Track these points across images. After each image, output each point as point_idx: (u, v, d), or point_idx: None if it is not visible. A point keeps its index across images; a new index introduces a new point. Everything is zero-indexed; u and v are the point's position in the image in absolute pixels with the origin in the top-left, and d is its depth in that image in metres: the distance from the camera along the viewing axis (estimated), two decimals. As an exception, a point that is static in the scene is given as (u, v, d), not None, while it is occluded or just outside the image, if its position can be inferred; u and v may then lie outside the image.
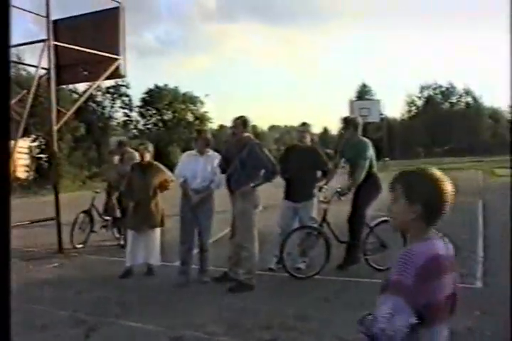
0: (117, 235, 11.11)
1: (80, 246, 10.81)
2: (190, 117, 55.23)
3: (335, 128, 77.12)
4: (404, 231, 2.53)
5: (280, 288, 7.66)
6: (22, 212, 12.80)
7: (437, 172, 2.43)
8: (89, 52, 10.76)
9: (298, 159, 8.40)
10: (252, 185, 7.47)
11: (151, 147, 8.73)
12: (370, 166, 8.27)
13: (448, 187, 2.39)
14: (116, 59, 11.22)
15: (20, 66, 34.33)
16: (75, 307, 6.73)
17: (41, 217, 10.94)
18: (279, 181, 8.42)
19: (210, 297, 7.19)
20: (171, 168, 8.90)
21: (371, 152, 8.34)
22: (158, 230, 8.58)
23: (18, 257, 9.91)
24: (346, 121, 8.95)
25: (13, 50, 13.47)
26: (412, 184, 2.41)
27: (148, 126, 52.97)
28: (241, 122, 7.78)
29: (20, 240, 10.89)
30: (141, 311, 6.59)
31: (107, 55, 11.03)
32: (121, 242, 10.27)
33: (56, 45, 10.62)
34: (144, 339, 5.67)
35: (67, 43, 10.68)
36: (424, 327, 2.26)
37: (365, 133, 9.04)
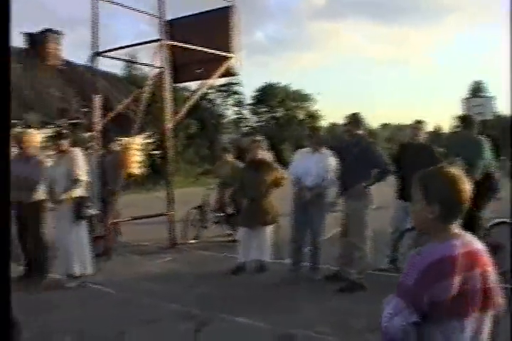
0: (229, 231, 11.23)
1: (192, 241, 11.00)
2: (301, 115, 55.18)
3: (446, 126, 74.83)
4: (425, 232, 2.53)
5: (391, 289, 7.45)
6: (135, 207, 13.18)
7: (455, 172, 2.44)
8: (202, 51, 10.93)
9: (411, 157, 8.17)
10: (364, 184, 7.35)
11: (264, 144, 8.74)
12: (487, 166, 7.96)
13: (465, 186, 2.40)
14: (229, 57, 11.34)
15: (136, 66, 35.45)
16: (186, 302, 6.84)
17: (154, 213, 11.20)
18: (392, 180, 8.26)
19: (320, 295, 7.14)
20: (283, 165, 8.90)
21: (488, 151, 8.03)
22: (270, 227, 8.58)
23: (131, 251, 10.24)
24: (462, 119, 8.65)
25: (127, 50, 13.89)
26: (429, 184, 2.45)
27: (260, 124, 53.29)
28: (354, 119, 7.69)
29: (132, 235, 11.24)
30: (251, 308, 6.62)
31: (220, 53, 11.16)
32: (233, 238, 10.34)
33: (170, 45, 10.85)
34: (253, 336, 5.67)
35: (180, 42, 10.88)
36: (435, 324, 2.34)
37: (481, 131, 8.70)
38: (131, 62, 30.71)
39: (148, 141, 28.12)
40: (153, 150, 27.15)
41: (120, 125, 15.18)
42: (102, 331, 5.93)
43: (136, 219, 10.90)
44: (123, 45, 11.72)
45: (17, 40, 29.30)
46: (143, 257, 9.85)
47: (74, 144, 8.64)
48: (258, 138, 9.09)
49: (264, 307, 6.63)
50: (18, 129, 9.07)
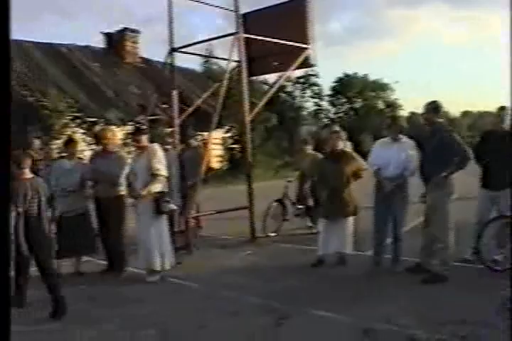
0: (310, 224, 11.17)
1: (273, 234, 10.99)
2: (380, 105, 54.44)
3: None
4: None
5: (475, 280, 7.27)
6: (215, 201, 13.24)
7: None
8: (278, 43, 10.87)
9: (495, 145, 7.89)
10: (443, 174, 7.15)
11: (343, 134, 8.61)
12: None
13: None
14: (305, 48, 11.22)
15: (213, 60, 35.72)
16: (266, 296, 6.82)
17: (234, 206, 11.22)
18: (475, 169, 8.01)
19: (402, 288, 7.00)
20: (363, 156, 8.75)
21: None
22: (350, 219, 8.46)
23: (211, 245, 10.30)
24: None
25: (204, 45, 13.95)
26: None
27: (339, 115, 52.84)
28: (432, 108, 7.50)
29: (213, 229, 11.31)
30: (331, 301, 6.55)
31: (296, 45, 11.06)
32: (314, 231, 10.25)
33: (246, 38, 10.82)
34: (335, 330, 5.59)
35: (256, 35, 10.84)
36: None
37: None
38: (207, 57, 30.99)
39: (228, 135, 28.41)
40: (233, 144, 27.51)
41: (199, 120, 15.30)
42: (184, 325, 5.97)
43: (217, 213, 10.95)
44: (199, 40, 11.79)
45: (96, 40, 29.97)
46: (223, 251, 9.90)
47: (153, 140, 8.75)
48: (337, 129, 8.97)
49: (345, 301, 6.54)
50: (98, 127, 9.27)
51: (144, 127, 8.77)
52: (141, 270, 8.07)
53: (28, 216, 6.37)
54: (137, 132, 8.24)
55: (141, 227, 7.93)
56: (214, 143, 25.02)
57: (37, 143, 12.75)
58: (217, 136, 25.26)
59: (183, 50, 11.58)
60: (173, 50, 11.21)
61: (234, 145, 27.34)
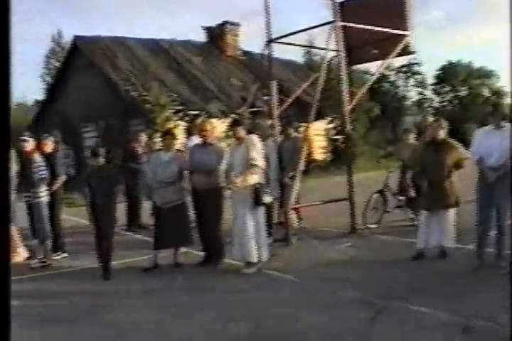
0: (412, 215, 10.88)
1: (373, 226, 10.78)
2: (486, 93, 52.51)
3: None
4: None
5: None
6: (317, 192, 13.14)
7: None
8: (377, 31, 10.62)
9: None
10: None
11: (444, 123, 8.31)
12: None
13: None
14: (404, 35, 10.90)
15: (314, 51, 35.54)
16: (365, 289, 6.66)
17: (336, 197, 11.09)
18: None
19: (505, 284, 6.65)
20: (467, 145, 8.42)
21: None
22: (452, 211, 8.15)
23: (311, 237, 10.19)
24: None
25: (303, 35, 13.78)
26: None
27: (443, 104, 51.39)
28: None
29: (313, 220, 11.19)
30: (431, 296, 6.31)
31: (395, 32, 10.77)
32: (416, 223, 9.98)
33: (344, 26, 10.63)
34: (433, 327, 5.37)
35: (354, 23, 10.63)
36: None
37: None
38: (305, 47, 30.82)
39: (330, 126, 28.17)
40: (336, 135, 27.25)
41: (300, 111, 15.23)
42: (278, 318, 5.91)
43: (317, 204, 10.85)
44: (298, 31, 11.64)
45: (197, 34, 30.51)
46: (323, 242, 9.77)
47: (253, 131, 8.76)
48: (438, 118, 8.69)
49: (445, 296, 6.30)
50: (200, 119, 9.38)
51: (241, 118, 8.79)
52: (238, 262, 8.09)
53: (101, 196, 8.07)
54: (235, 123, 8.34)
55: (238, 219, 7.93)
56: (317, 135, 24.91)
57: (143, 136, 13.06)
58: (320, 127, 25.10)
59: (281, 40, 11.52)
60: (270, 40, 11.18)
61: (337, 136, 27.07)
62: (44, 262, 9.10)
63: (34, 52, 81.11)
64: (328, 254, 8.86)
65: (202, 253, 8.70)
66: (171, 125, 21.81)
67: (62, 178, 9.75)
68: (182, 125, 21.34)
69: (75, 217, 14.76)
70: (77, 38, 27.14)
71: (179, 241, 8.49)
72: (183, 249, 8.83)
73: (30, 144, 9.33)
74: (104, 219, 8.21)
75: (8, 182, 2.61)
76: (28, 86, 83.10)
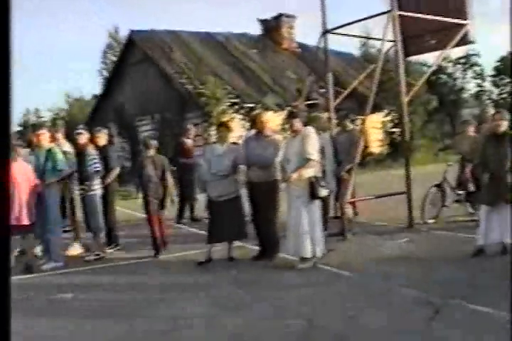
0: (471, 210, 10.57)
1: (431, 221, 10.50)
2: (548, 84, 50.87)
3: None
4: None
5: None
6: (374, 186, 12.92)
7: None
8: (435, 20, 10.31)
9: None
10: None
11: (506, 115, 8.01)
12: None
13: None
14: (463, 25, 10.54)
15: (370, 43, 35.04)
16: (422, 287, 6.42)
17: (392, 191, 10.85)
18: None
19: None
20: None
21: None
22: (514, 205, 7.83)
23: (367, 231, 10.00)
24: None
25: (359, 26, 13.46)
26: None
27: (503, 96, 50.03)
28: None
29: (369, 214, 11.01)
30: (491, 295, 6.03)
31: (453, 21, 10.44)
32: (475, 218, 9.67)
33: (400, 16, 10.34)
34: (493, 327, 5.12)
35: (411, 13, 10.34)
36: None
37: None
38: (361, 38, 30.41)
39: (388, 118, 27.71)
40: (393, 127, 26.81)
41: (356, 103, 15.01)
42: (332, 315, 5.77)
43: (373, 198, 10.64)
44: (353, 21, 11.40)
45: (253, 28, 30.58)
46: (379, 238, 9.55)
47: (308, 124, 8.63)
48: (500, 110, 8.39)
49: (506, 295, 6.02)
50: (255, 111, 9.29)
51: (298, 111, 8.67)
52: (292, 256, 7.95)
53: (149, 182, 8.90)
54: (290, 116, 8.23)
55: (292, 213, 7.79)
56: (374, 127, 24.49)
57: (193, 130, 13.04)
58: (376, 119, 24.69)
59: (337, 31, 11.31)
60: (326, 31, 10.98)
61: (394, 129, 26.62)
62: (98, 255, 9.15)
63: (92, 47, 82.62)
64: (385, 250, 8.65)
65: (257, 248, 8.60)
66: (226, 118, 21.82)
67: (115, 171, 9.78)
68: (238, 118, 21.29)
69: (129, 209, 14.88)
70: (132, 32, 27.37)
71: (233, 235, 8.42)
72: (237, 243, 8.76)
73: (84, 137, 9.38)
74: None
75: (8, 182, 2.48)
76: (86, 81, 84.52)
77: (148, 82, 26.33)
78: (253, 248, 8.71)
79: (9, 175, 2.77)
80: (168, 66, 24.90)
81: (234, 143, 8.92)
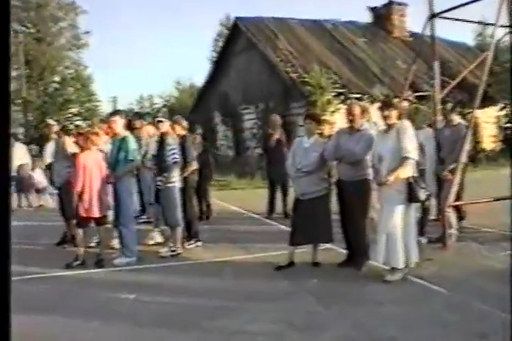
0: None
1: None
2: None
3: None
4: None
5: None
6: (484, 185, 11.77)
7: None
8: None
9: None
10: None
11: None
12: None
13: None
14: None
15: (486, 33, 33.27)
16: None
17: (505, 192, 9.64)
18: None
19: None
20: None
21: None
22: None
23: (471, 239, 8.88)
24: None
25: (473, 12, 12.27)
26: None
27: None
28: None
29: (477, 218, 9.82)
30: None
31: None
32: None
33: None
34: None
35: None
36: None
37: None
38: (469, 22, 28.79)
39: (501, 113, 26.11)
40: (507, 122, 25.18)
41: (467, 95, 13.94)
42: (419, 338, 4.96)
43: (484, 201, 9.43)
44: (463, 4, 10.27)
45: (362, 16, 29.87)
46: (484, 247, 8.41)
47: (408, 117, 7.72)
48: None
49: None
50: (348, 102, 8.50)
51: (396, 101, 7.66)
52: (380, 264, 7.05)
53: None
54: (385, 105, 7.15)
55: (385, 216, 6.89)
56: (487, 122, 23.04)
57: (279, 120, 12.35)
58: (490, 113, 23.21)
59: (444, 15, 10.23)
60: (433, 15, 9.95)
61: (508, 124, 24.98)
62: (174, 251, 8.62)
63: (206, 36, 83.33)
64: (489, 262, 7.54)
65: (345, 251, 7.78)
66: (331, 108, 21.15)
67: (193, 164, 9.20)
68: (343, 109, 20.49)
69: (222, 201, 14.40)
70: (238, 19, 27.05)
71: (317, 237, 7.64)
72: (326, 245, 7.99)
73: (165, 125, 8.84)
74: None
75: (9, 181, 2.30)
76: (199, 69, 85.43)
77: (252, 70, 25.88)
78: (342, 251, 7.88)
79: (9, 175, 2.35)
80: (273, 54, 24.31)
81: (320, 135, 8.08)
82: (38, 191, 16.00)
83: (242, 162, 23.97)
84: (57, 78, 52.22)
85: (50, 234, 10.35)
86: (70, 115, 45.62)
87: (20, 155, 15.47)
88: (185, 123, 9.40)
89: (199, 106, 31.38)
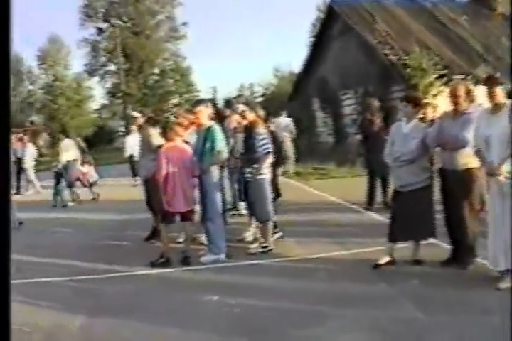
0: None
1: None
2: None
3: None
4: None
5: None
6: None
7: None
8: None
9: None
10: None
11: None
12: None
13: None
14: None
15: None
16: None
17: None
18: None
19: None
20: None
21: None
22: None
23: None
24: None
25: None
26: None
27: None
28: None
29: None
30: None
31: None
32: None
33: None
34: None
35: None
36: None
37: None
38: None
39: None
40: None
41: None
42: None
43: None
44: None
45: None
46: None
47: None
48: None
49: None
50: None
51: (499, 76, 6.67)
52: (490, 266, 6.20)
53: None
54: (489, 81, 6.14)
55: (495, 210, 6.05)
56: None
57: (376, 104, 11.64)
58: None
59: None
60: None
61: None
62: (265, 247, 8.12)
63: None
64: None
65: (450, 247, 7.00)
66: (433, 91, 20.15)
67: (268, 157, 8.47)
68: (446, 91, 19.44)
69: (321, 191, 13.84)
70: (333, 2, 26.31)
71: (419, 233, 6.91)
72: (428, 240, 7.18)
73: (251, 114, 8.31)
74: None
75: (8, 180, 2.15)
76: (298, 55, 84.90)
77: (350, 54, 25.04)
78: (447, 247, 7.07)
79: (9, 174, 2.26)
80: (371, 36, 23.37)
81: (423, 120, 7.32)
82: (91, 185, 16.19)
83: (342, 149, 23.26)
84: (156, 70, 53.13)
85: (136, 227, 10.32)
86: (170, 106, 46.15)
87: (69, 150, 15.82)
88: (261, 111, 8.84)
89: (297, 93, 30.81)
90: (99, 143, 44.46)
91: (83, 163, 16.16)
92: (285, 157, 11.63)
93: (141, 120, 9.86)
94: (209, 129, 7.88)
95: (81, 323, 5.78)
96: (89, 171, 16.13)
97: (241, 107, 8.65)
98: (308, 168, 19.74)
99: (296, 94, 31.02)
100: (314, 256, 7.67)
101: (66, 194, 15.49)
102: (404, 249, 7.04)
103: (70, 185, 15.71)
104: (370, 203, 11.23)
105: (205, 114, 8.02)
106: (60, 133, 22.18)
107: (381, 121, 11.29)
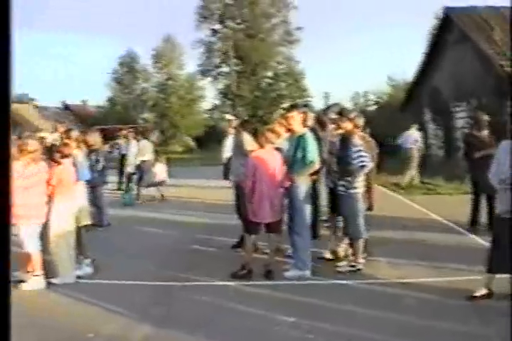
0: None
1: None
2: None
3: None
4: None
5: None
6: None
7: None
8: None
9: None
10: None
11: None
12: None
13: None
14: None
15: None
16: None
17: None
18: None
19: None
20: None
21: None
22: None
23: None
24: None
25: None
26: None
27: None
28: None
29: None
30: None
31: None
32: None
33: None
34: None
35: None
36: None
37: None
38: None
39: None
40: None
41: None
42: None
43: None
44: None
45: None
46: None
47: None
48: None
49: None
50: None
51: None
52: None
53: None
54: None
55: None
56: None
57: (485, 119, 10.82)
58: None
59: None
60: None
61: None
62: (353, 266, 7.62)
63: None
64: None
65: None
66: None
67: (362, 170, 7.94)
68: None
69: (424, 207, 13.18)
70: (448, 9, 25.27)
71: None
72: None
73: (348, 124, 7.81)
74: None
75: (9, 180, 2.10)
76: (413, 64, 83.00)
77: (464, 64, 23.95)
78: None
79: (9, 176, 2.17)
80: (487, 46, 22.23)
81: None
82: (160, 184, 16.27)
83: (452, 164, 22.27)
84: (269, 73, 53.09)
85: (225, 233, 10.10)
86: (281, 110, 46.08)
87: (145, 152, 15.95)
88: (360, 121, 8.32)
89: (409, 103, 29.88)
90: (210, 142, 44.69)
91: (155, 162, 16.32)
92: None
93: (234, 123, 9.64)
94: (301, 137, 7.46)
95: (144, 334, 5.54)
96: (161, 171, 16.32)
97: (333, 116, 8.22)
98: (415, 181, 19.05)
99: (407, 104, 30.14)
100: (405, 281, 7.10)
101: (134, 193, 15.77)
102: (504, 280, 6.34)
103: (147, 185, 15.95)
104: (473, 224, 10.45)
105: (297, 120, 7.61)
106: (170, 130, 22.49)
107: (490, 136, 10.48)
